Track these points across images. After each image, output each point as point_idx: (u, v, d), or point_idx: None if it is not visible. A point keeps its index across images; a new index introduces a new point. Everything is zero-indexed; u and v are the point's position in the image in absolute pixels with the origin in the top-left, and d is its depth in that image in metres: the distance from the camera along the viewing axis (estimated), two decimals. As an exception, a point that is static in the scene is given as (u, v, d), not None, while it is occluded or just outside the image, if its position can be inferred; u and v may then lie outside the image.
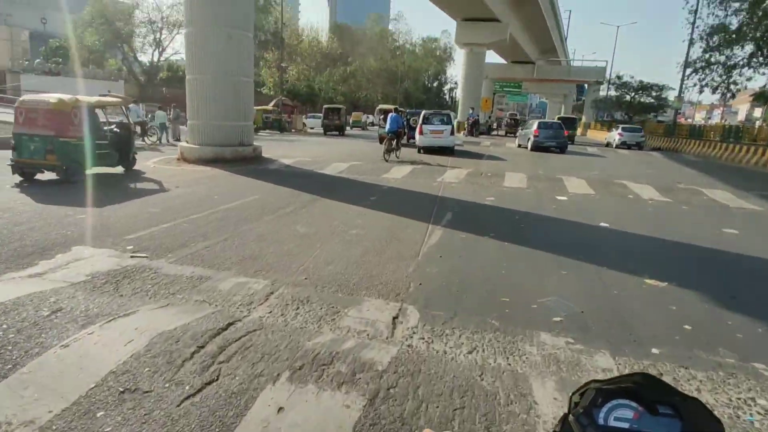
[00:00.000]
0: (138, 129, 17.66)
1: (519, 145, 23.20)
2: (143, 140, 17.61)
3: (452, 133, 17.16)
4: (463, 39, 37.60)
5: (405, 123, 16.92)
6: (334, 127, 29.39)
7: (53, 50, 29.49)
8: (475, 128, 32.41)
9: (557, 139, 20.56)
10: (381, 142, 16.35)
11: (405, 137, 16.82)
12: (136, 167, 10.76)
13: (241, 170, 11.28)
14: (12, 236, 5.31)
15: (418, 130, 17.30)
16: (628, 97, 50.42)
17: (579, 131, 51.01)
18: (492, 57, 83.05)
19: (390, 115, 14.77)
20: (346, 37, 69.61)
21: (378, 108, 49.79)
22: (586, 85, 65.02)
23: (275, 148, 17.77)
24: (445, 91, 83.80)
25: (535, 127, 20.93)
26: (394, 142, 14.40)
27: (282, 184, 9.53)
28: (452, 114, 28.84)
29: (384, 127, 16.39)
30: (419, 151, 17.12)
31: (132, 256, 4.87)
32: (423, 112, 18.17)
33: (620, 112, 54.19)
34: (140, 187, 8.91)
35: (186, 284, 4.14)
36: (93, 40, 26.19)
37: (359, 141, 25.18)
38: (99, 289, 3.97)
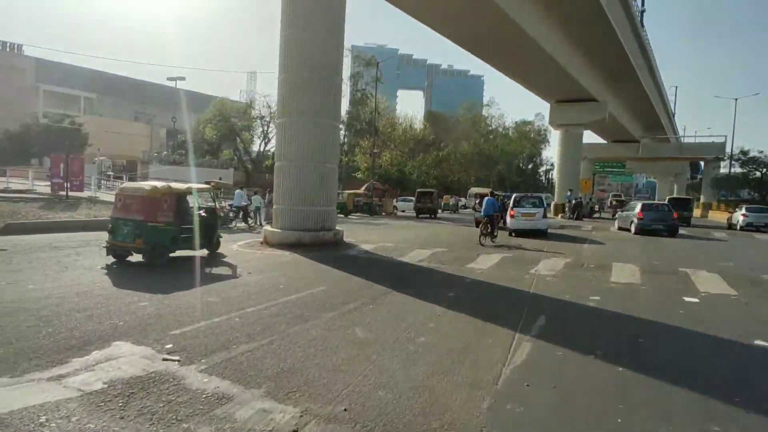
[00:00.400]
0: (240, 213, 18.81)
1: (620, 228, 21.45)
2: (245, 223, 18.60)
3: (545, 215, 16.78)
4: (558, 120, 36.59)
5: (500, 206, 16.40)
6: (427, 210, 29.48)
7: (180, 144, 34.08)
8: (577, 210, 30.14)
9: (665, 222, 18.95)
10: (477, 226, 16.36)
11: (500, 221, 16.22)
12: (220, 250, 10.88)
13: (319, 256, 10.90)
14: (68, 324, 5.15)
15: (509, 213, 16.88)
16: (758, 174, 44.55)
17: (698, 212, 45.60)
18: (590, 137, 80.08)
19: (485, 198, 14.62)
20: (439, 124, 72.18)
21: (470, 191, 49.54)
22: (701, 163, 59.22)
23: (361, 232, 17.58)
24: (541, 173, 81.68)
25: (638, 208, 19.52)
26: (489, 226, 14.06)
27: (355, 273, 8.86)
28: (546, 196, 27.47)
29: (479, 211, 16.29)
30: (511, 234, 16.56)
31: (164, 359, 4.30)
32: (514, 195, 17.82)
33: (746, 190, 47.90)
34: (214, 272, 8.77)
35: (201, 407, 3.38)
36: (212, 135, 29.80)
37: (449, 225, 24.42)
38: (104, 405, 3.35)
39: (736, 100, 44.93)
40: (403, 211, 36.99)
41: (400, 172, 33.94)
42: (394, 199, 33.85)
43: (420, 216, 29.45)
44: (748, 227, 24.60)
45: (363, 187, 32.40)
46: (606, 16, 24.69)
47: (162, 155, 32.96)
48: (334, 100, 13.22)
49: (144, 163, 30.19)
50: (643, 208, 19.42)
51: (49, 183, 21.34)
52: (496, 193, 16.84)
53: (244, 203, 19.66)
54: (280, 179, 12.94)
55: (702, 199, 53.44)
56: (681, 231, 20.25)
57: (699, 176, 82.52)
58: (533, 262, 10.53)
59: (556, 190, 38.05)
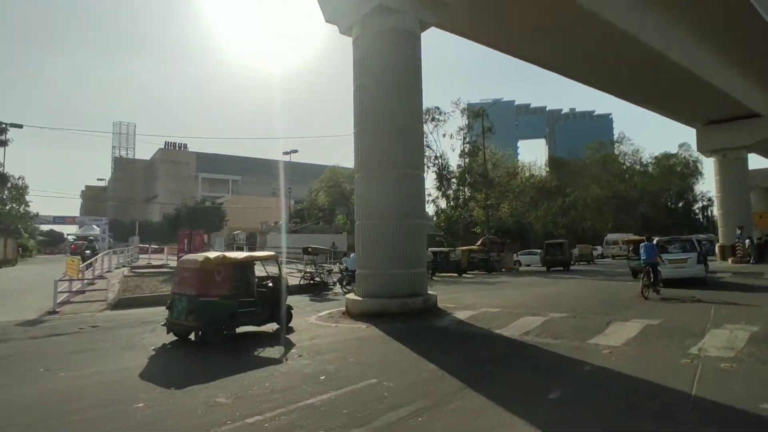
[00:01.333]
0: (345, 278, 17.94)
1: None
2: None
3: (699, 261, 14.49)
4: (710, 145, 30.38)
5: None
6: (557, 263, 27.21)
7: (297, 212, 35.81)
8: (754, 252, 23.66)
9: None
10: (634, 276, 15.51)
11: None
12: (293, 323, 9.62)
13: (400, 329, 8.98)
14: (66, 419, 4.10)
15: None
16: None
17: None
18: (758, 162, 67.14)
19: (643, 244, 12.98)
20: (563, 169, 66.62)
21: (607, 238, 43.19)
22: None
23: (468, 294, 15.25)
24: (697, 211, 69.53)
25: None
26: (652, 275, 12.23)
27: (430, 355, 6.75)
28: (708, 237, 23.01)
29: (635, 259, 15.40)
30: None
31: None
32: (656, 240, 14.80)
33: None
34: (262, 355, 7.39)
35: None
36: (324, 201, 30.44)
37: (582, 279, 20.63)
38: None
39: None
40: (528, 266, 33.26)
41: (519, 223, 30.62)
42: (515, 253, 30.47)
43: (550, 269, 26.95)
44: None
45: (479, 242, 29.83)
46: (760, 16, 20.02)
47: (279, 224, 34.89)
48: (415, 147, 11.72)
49: (262, 233, 32.00)
50: None
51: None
52: (653, 237, 14.40)
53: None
54: (360, 239, 11.56)
55: None
56: None
57: None
58: (696, 335, 7.23)
59: (720, 229, 30.94)
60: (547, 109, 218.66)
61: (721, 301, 10.89)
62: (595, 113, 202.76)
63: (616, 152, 60.98)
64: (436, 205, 36.46)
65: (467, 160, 37.33)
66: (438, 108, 37.74)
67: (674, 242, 15.34)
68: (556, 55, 20.73)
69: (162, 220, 48.05)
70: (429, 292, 11.97)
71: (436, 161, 37.29)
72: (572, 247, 33.21)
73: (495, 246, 28.86)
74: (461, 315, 10.34)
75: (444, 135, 38.87)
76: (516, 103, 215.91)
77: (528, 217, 47.46)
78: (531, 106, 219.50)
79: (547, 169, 68.64)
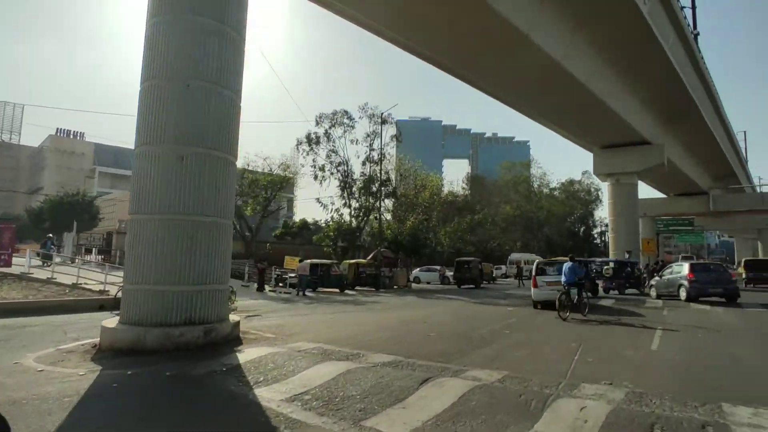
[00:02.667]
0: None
1: (659, 296, 17.60)
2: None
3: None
4: (604, 168, 30.33)
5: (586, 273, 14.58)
6: (467, 280, 26.83)
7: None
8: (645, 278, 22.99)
9: (724, 284, 15.52)
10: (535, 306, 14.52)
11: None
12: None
13: (130, 384, 5.60)
14: None
15: (532, 282, 14.82)
16: None
17: None
18: (649, 192, 71.54)
19: (565, 264, 12.25)
20: (480, 188, 66.85)
21: (510, 257, 42.61)
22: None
23: (311, 317, 12.25)
24: (595, 235, 72.82)
25: (686, 269, 16.19)
26: (573, 296, 11.63)
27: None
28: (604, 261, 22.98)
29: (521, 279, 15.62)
30: (536, 307, 14.37)
31: None
32: (537, 262, 15.62)
33: None
34: None
35: None
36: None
37: (466, 301, 18.46)
38: None
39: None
40: (428, 283, 31.12)
41: (415, 237, 28.38)
42: (411, 269, 28.07)
43: (461, 286, 26.64)
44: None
45: (370, 256, 27.12)
46: (656, 40, 19.38)
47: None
48: (221, 118, 8.48)
49: (120, 233, 27.07)
50: (693, 268, 16.18)
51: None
52: (577, 258, 13.33)
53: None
54: (130, 241, 8.04)
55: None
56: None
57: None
58: (531, 411, 4.58)
59: (611, 252, 30.86)
60: (471, 131, 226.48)
61: (592, 338, 8.70)
62: (515, 139, 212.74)
63: (525, 173, 61.96)
64: (340, 215, 33.36)
65: (373, 167, 34.77)
66: (346, 112, 35.04)
67: (552, 265, 15.03)
68: (447, 53, 18.69)
69: (21, 214, 40.62)
70: (232, 317, 8.72)
71: (340, 167, 34.25)
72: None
73: (387, 261, 26.29)
74: (249, 355, 7.12)
75: (353, 141, 36.00)
76: (443, 123, 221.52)
77: (437, 232, 46.01)
78: (457, 127, 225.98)
79: (465, 186, 68.86)
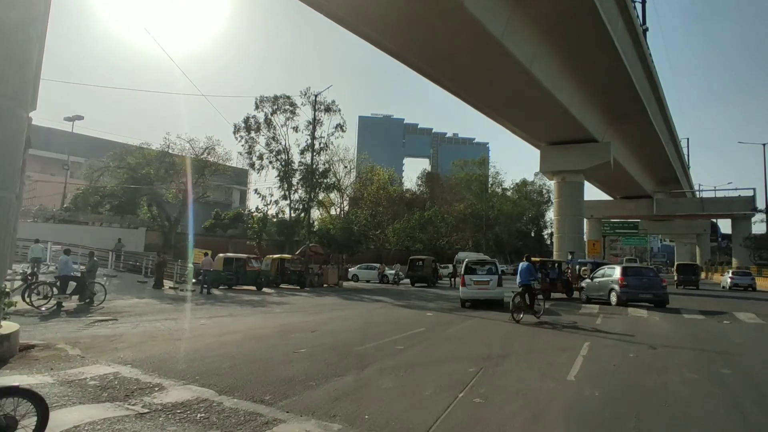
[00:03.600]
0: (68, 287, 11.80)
1: (589, 299, 16.32)
2: (82, 301, 12.12)
3: (500, 283, 14.31)
4: (551, 166, 29.14)
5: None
6: (420, 279, 26.14)
7: (76, 197, 26.85)
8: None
9: (654, 290, 14.71)
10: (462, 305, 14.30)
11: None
12: None
13: None
14: None
15: (461, 281, 14.61)
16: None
17: None
18: (596, 194, 72.19)
19: (521, 264, 11.74)
20: (433, 185, 65.57)
21: (458, 256, 40.65)
22: (719, 226, 50.42)
23: (186, 322, 9.74)
24: (546, 236, 73.18)
25: (618, 273, 15.22)
26: (527, 298, 11.02)
27: None
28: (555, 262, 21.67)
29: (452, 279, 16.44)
30: (463, 305, 14.30)
31: None
32: (466, 261, 15.40)
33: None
34: None
35: None
36: (110, 185, 22.93)
37: (387, 304, 16.38)
38: None
39: (765, 145, 37.03)
40: (368, 281, 28.96)
41: (348, 231, 25.97)
42: (343, 266, 25.77)
43: (415, 285, 26.02)
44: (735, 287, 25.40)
45: (298, 251, 24.62)
46: (603, 25, 17.97)
47: (55, 212, 25.89)
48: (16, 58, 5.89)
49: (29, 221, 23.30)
50: (626, 272, 15.17)
51: None
52: (533, 258, 13.59)
53: (73, 273, 12.28)
54: None
55: (735, 263, 44.29)
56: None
57: (721, 239, 73.11)
58: None
59: (555, 252, 29.76)
60: (433, 131, 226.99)
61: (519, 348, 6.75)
62: (475, 140, 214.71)
63: (479, 172, 61.02)
64: (280, 209, 30.57)
65: (315, 157, 32.23)
66: (288, 97, 32.23)
67: (481, 264, 15.03)
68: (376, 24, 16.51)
69: None
70: (6, 325, 6.19)
71: (280, 156, 31.38)
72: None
73: (316, 257, 23.91)
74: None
75: (295, 129, 33.16)
76: (405, 122, 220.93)
77: (384, 228, 44.01)
78: (419, 126, 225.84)
79: (419, 183, 67.33)
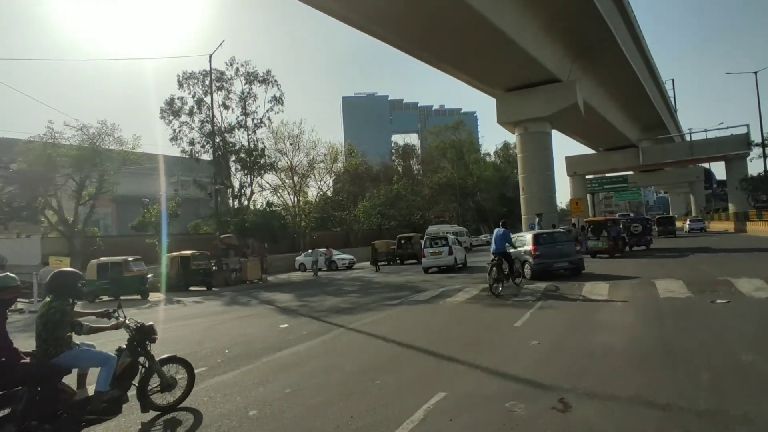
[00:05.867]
0: None
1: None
2: None
3: (450, 252, 17.34)
4: (510, 116, 24.68)
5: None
6: (410, 256, 24.85)
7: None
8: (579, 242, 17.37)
9: (568, 257, 12.56)
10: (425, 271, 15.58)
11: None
12: None
13: None
14: None
15: (421, 253, 18.16)
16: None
17: (729, 226, 33.47)
18: (576, 148, 67.27)
19: (496, 231, 10.79)
20: (405, 156, 61.29)
21: (428, 230, 35.67)
22: (713, 171, 46.05)
23: None
24: (533, 200, 68.89)
25: (530, 243, 12.60)
26: (502, 268, 10.07)
27: None
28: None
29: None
30: (426, 272, 17.24)
31: None
32: (424, 236, 19.91)
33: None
34: None
35: None
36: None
37: (327, 295, 12.35)
38: None
39: (756, 73, 32.29)
40: (305, 270, 24.67)
41: (270, 215, 21.59)
42: (266, 258, 21.48)
43: (404, 262, 24.91)
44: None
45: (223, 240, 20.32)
46: None
47: None
48: None
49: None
50: (536, 240, 12.73)
51: None
52: (506, 222, 11.24)
53: None
54: None
55: (732, 208, 40.11)
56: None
57: (716, 185, 68.76)
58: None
59: (522, 216, 25.61)
60: (419, 105, 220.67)
61: None
62: (462, 110, 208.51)
63: (454, 138, 56.41)
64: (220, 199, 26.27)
65: (249, 135, 27.84)
66: (221, 72, 27.51)
67: (435, 239, 18.34)
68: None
69: None
70: None
71: (212, 139, 26.51)
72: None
73: (227, 251, 19.78)
74: None
75: (226, 107, 28.52)
76: (390, 98, 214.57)
77: (349, 209, 39.89)
78: (404, 101, 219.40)
79: (394, 158, 62.87)
